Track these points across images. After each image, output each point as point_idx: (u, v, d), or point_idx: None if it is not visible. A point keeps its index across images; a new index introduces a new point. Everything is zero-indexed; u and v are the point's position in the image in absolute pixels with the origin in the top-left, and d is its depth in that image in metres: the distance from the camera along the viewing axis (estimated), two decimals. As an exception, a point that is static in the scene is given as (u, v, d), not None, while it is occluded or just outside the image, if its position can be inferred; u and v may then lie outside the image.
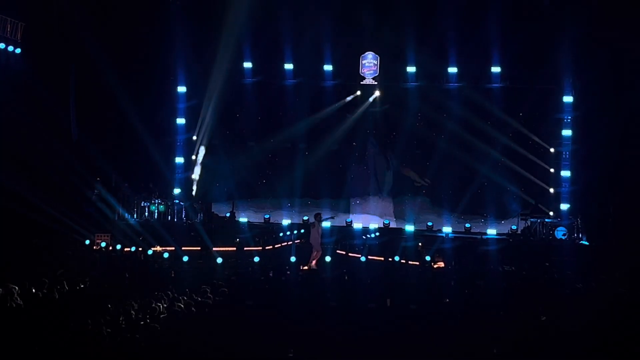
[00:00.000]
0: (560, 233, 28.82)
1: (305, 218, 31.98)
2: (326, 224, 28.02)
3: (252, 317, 14.30)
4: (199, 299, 15.21)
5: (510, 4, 30.11)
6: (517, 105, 32.30)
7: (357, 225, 31.50)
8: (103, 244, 24.83)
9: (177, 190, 32.74)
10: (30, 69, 29.30)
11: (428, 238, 28.93)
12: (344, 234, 29.73)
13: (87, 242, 25.05)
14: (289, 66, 32.99)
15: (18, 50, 29.07)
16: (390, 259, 24.65)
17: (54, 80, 30.23)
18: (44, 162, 29.53)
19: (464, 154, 32.44)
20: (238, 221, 31.80)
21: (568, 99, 31.54)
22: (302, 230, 30.03)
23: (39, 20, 29.54)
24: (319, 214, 25.29)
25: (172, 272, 20.71)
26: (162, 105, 33.14)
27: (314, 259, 23.99)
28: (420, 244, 26.49)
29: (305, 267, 23.58)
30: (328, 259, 23.92)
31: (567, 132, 31.62)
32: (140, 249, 24.35)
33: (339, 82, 33.18)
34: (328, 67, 32.76)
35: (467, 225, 31.39)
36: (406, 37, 31.18)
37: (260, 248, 27.20)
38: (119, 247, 24.61)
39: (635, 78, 27.70)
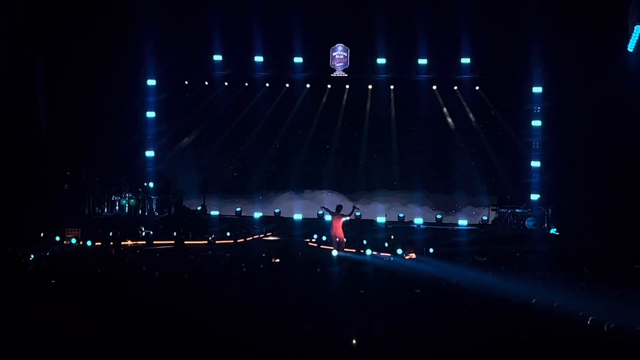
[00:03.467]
0: (530, 223, 29.02)
1: (277, 211, 31.99)
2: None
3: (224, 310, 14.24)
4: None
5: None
6: (486, 96, 32.54)
7: (329, 217, 31.39)
8: (73, 240, 24.60)
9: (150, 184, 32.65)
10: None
11: (399, 229, 29.03)
12: (316, 226, 29.67)
13: (57, 238, 24.79)
14: (259, 58, 32.92)
15: (-15, 44, 28.76)
16: (361, 251, 24.66)
17: (22, 74, 29.95)
18: (13, 157, 29.27)
19: (434, 145, 32.70)
20: (209, 214, 31.73)
21: (537, 89, 31.77)
22: (274, 225, 30.01)
23: (5, 13, 29.23)
24: (340, 205, 25.72)
25: (144, 266, 20.57)
26: (132, 98, 32.97)
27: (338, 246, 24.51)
28: (392, 235, 26.51)
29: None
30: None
31: (536, 123, 31.85)
32: (111, 243, 24.17)
33: (309, 74, 33.17)
34: (298, 60, 32.73)
35: (439, 216, 31.56)
36: (376, 29, 31.22)
37: (232, 241, 27.14)
38: (89, 242, 24.37)
39: (604, 68, 27.90)
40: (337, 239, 24.57)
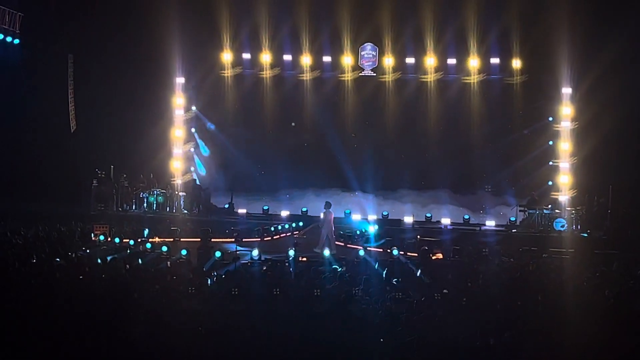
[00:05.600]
0: (558, 224, 28.70)
1: (304, 209, 31.95)
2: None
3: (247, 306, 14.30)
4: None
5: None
6: (515, 96, 32.30)
7: (356, 217, 31.33)
8: (102, 237, 24.68)
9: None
10: (29, 60, 29.29)
11: (427, 230, 28.91)
12: (344, 225, 29.59)
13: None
14: (287, 57, 32.92)
15: (17, 41, 29.06)
16: (388, 250, 24.57)
17: (52, 71, 30.22)
18: (43, 153, 29.54)
19: (463, 145, 32.53)
20: (237, 212, 31.78)
21: (567, 90, 31.47)
22: (301, 223, 29.92)
23: (37, 10, 29.51)
24: (329, 202, 26.17)
25: (169, 263, 20.64)
26: (161, 96, 33.07)
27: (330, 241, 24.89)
28: (418, 236, 26.39)
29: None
30: (327, 252, 23.63)
31: (566, 124, 31.56)
32: (139, 240, 24.23)
33: (337, 73, 33.12)
34: (327, 58, 32.71)
35: (466, 216, 31.39)
36: (404, 29, 31.17)
37: (259, 239, 27.18)
38: (117, 239, 24.38)
39: (636, 70, 27.75)
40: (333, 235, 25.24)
